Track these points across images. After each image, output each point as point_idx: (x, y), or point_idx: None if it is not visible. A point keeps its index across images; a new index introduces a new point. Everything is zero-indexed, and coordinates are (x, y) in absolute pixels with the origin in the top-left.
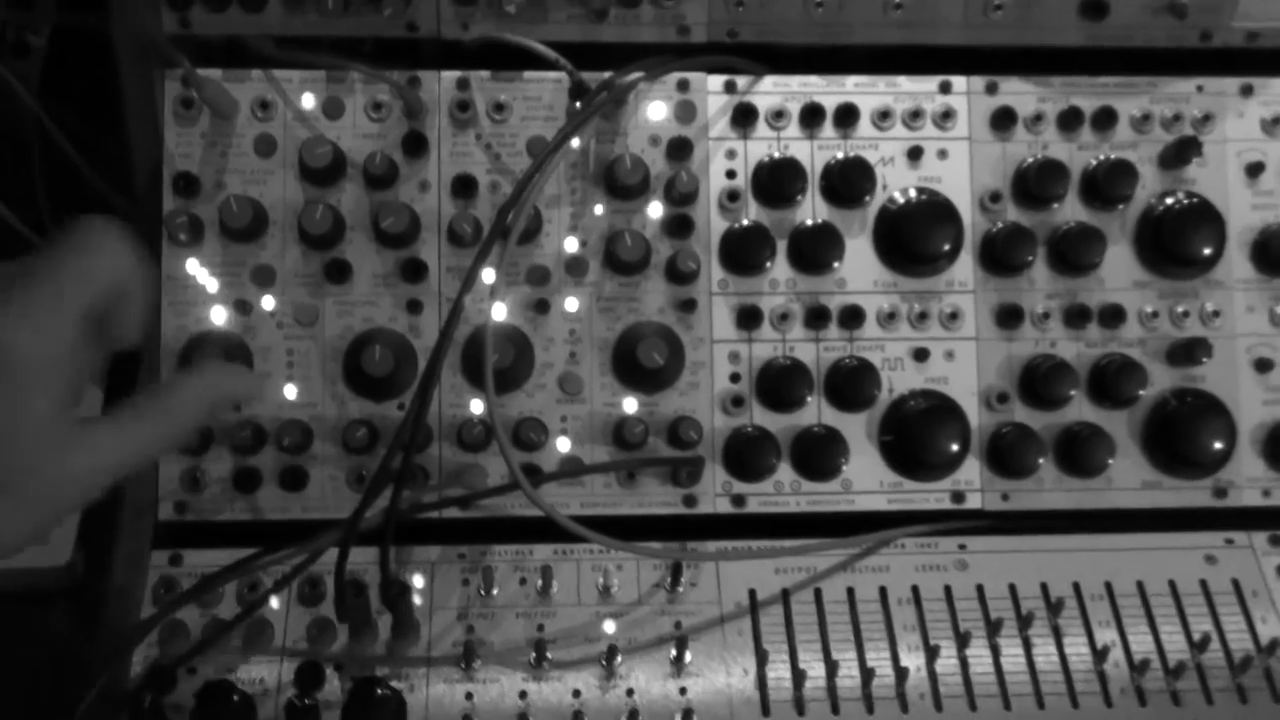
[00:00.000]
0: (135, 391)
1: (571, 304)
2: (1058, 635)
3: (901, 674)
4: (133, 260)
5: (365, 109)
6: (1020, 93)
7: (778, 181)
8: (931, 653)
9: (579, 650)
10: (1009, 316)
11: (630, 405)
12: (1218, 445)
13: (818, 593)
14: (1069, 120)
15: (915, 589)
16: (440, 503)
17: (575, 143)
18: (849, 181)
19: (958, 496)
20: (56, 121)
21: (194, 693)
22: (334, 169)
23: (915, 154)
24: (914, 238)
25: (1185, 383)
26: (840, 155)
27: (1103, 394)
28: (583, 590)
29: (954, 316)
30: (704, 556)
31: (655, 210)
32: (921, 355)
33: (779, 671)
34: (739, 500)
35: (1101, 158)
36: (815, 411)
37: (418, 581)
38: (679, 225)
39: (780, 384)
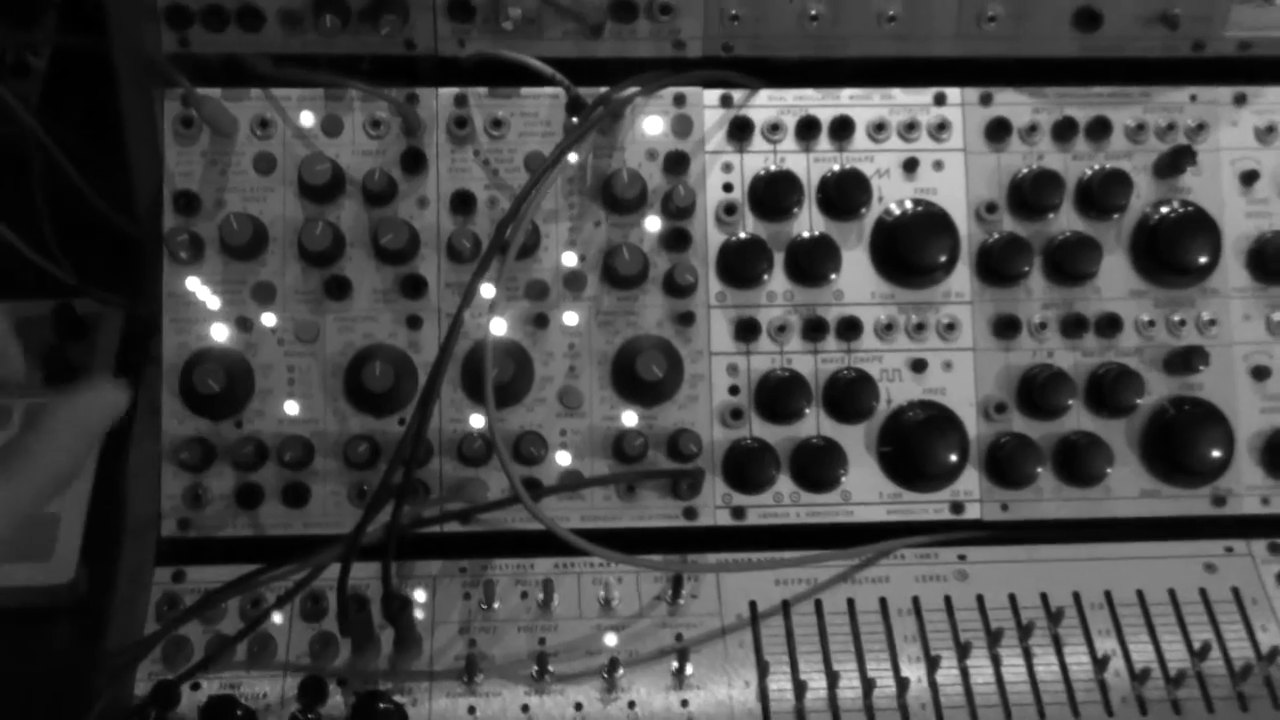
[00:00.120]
0: None
1: (570, 318)
2: (1058, 645)
3: (903, 684)
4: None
5: (364, 126)
6: (1015, 104)
7: (774, 194)
8: (932, 663)
9: (580, 663)
10: (1006, 327)
11: (630, 418)
12: (1216, 453)
13: (818, 604)
14: (1063, 131)
15: (915, 600)
16: (441, 517)
17: (572, 158)
18: (845, 193)
19: (957, 507)
20: (57, 141)
21: (198, 708)
22: (333, 186)
23: (911, 165)
24: (910, 249)
25: (1183, 391)
26: (836, 167)
27: (1101, 403)
28: (584, 603)
29: (951, 327)
30: (704, 569)
31: (653, 224)
32: (919, 366)
33: (780, 683)
34: (739, 512)
35: (1096, 168)
36: (814, 423)
37: (420, 596)
38: (676, 239)
39: (779, 396)
